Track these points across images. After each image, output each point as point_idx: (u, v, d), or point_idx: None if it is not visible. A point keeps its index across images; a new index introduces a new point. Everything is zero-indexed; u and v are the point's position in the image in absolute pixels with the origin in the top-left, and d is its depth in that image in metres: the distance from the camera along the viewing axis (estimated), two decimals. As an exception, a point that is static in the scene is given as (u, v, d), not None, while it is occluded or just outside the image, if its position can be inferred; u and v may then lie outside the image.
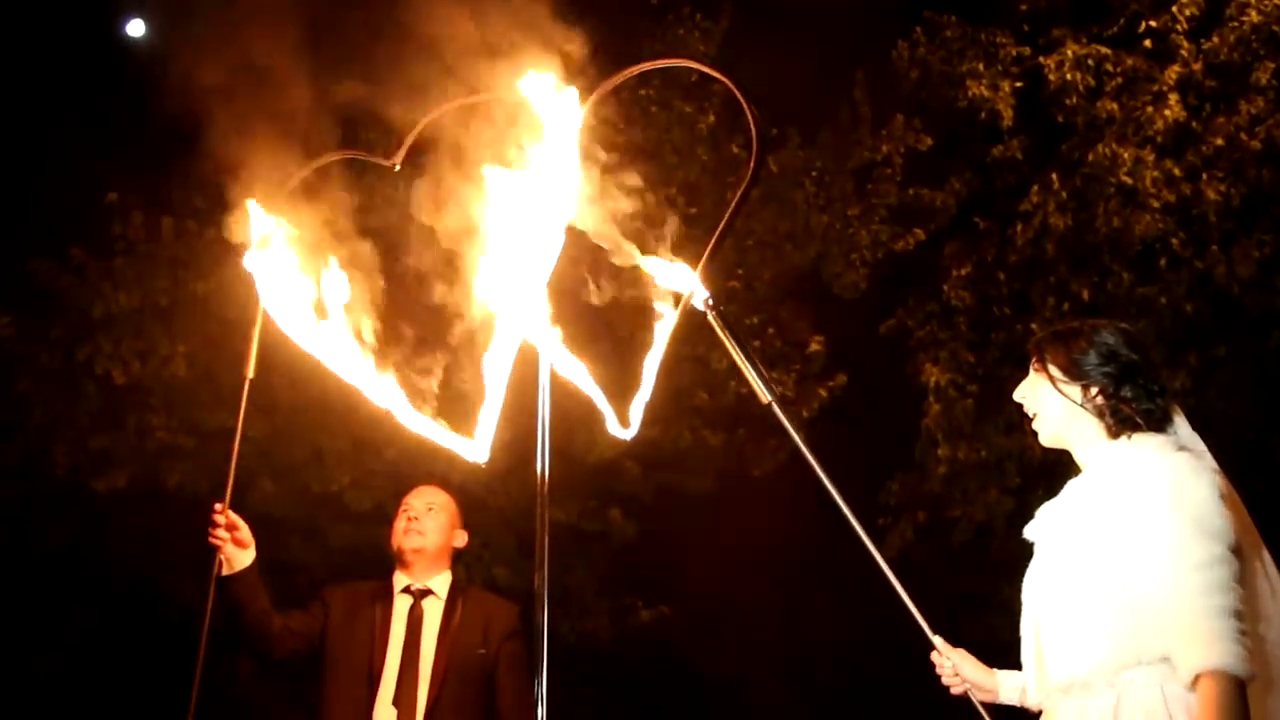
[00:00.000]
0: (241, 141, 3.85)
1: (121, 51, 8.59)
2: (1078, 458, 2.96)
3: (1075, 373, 2.89)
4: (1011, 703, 3.17)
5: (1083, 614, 2.71)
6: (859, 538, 3.27)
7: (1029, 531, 3.04)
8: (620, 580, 9.94)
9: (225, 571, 4.16)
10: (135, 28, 8.59)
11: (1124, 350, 2.88)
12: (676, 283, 3.44)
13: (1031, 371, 3.03)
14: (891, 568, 3.22)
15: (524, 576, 8.54)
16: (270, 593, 4.42)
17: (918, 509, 9.69)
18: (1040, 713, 2.93)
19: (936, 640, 3.26)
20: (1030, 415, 3.03)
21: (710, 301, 3.36)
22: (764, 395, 3.37)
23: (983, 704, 3.17)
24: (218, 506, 4.09)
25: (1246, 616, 2.54)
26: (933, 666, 3.27)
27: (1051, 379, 2.93)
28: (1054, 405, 2.93)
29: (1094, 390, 2.87)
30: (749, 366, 3.35)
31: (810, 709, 10.54)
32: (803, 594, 10.47)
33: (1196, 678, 2.48)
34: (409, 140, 3.77)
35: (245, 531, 4.19)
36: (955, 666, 3.22)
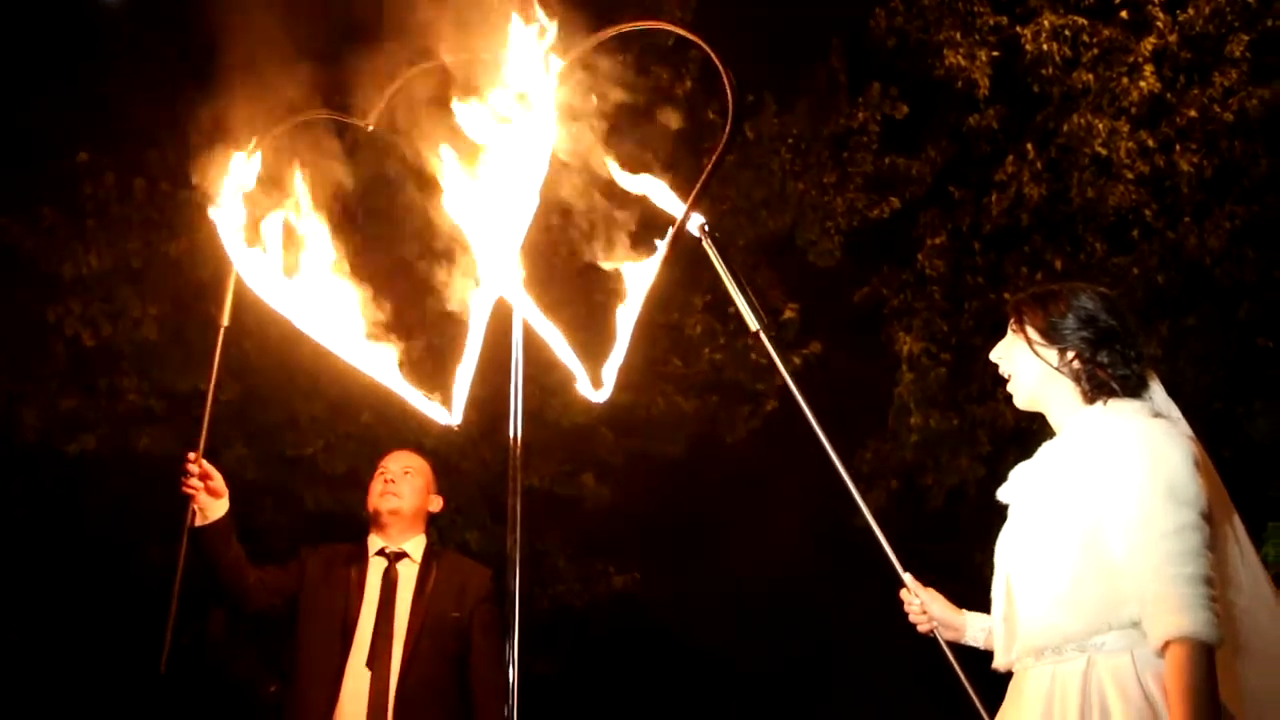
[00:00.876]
0: (216, 102, 3.82)
1: (95, 12, 8.52)
2: (1052, 421, 2.94)
3: (1053, 336, 2.86)
4: (976, 644, 3.17)
5: (1055, 579, 2.70)
6: (838, 473, 3.23)
7: (1003, 493, 3.01)
8: (592, 545, 9.99)
9: (199, 522, 4.17)
10: (110, -11, 8.56)
11: (1102, 315, 2.85)
12: (671, 205, 3.43)
13: (1009, 332, 2.98)
14: (864, 532, 3.21)
15: (497, 540, 8.56)
16: (244, 547, 4.42)
17: (891, 476, 9.76)
18: (1009, 674, 2.91)
19: (907, 578, 3.25)
20: (1005, 376, 2.99)
21: (706, 227, 3.35)
22: (752, 323, 3.36)
23: (948, 643, 3.15)
24: (191, 456, 4.08)
25: (1216, 582, 2.54)
26: (902, 604, 3.26)
27: (1029, 341, 2.90)
28: (1030, 368, 2.90)
29: (1070, 354, 2.84)
30: (740, 294, 3.34)
31: (783, 671, 10.64)
32: (775, 559, 10.55)
33: (1166, 643, 2.49)
34: (384, 100, 3.74)
35: (219, 481, 4.19)
36: (923, 604, 3.21)
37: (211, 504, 4.20)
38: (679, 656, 10.82)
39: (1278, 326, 8.75)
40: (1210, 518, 2.60)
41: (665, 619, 10.62)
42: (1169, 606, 2.49)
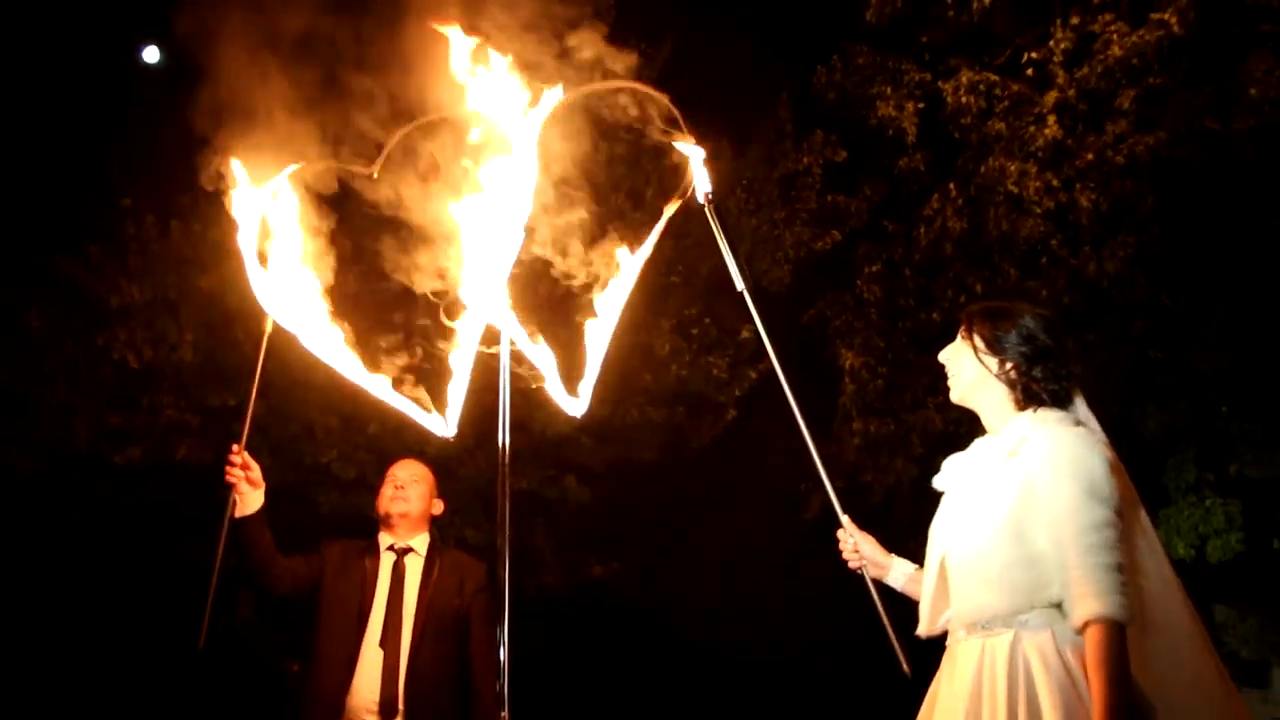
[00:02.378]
0: (241, 152, 3.86)
1: (138, 74, 8.59)
2: (985, 420, 3.00)
3: (996, 347, 2.92)
4: (896, 586, 3.24)
5: (986, 564, 2.76)
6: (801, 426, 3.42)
7: (937, 481, 3.09)
8: (575, 540, 10.01)
9: (238, 513, 4.14)
10: (151, 54, 8.62)
11: (1041, 335, 2.90)
12: (685, 154, 3.53)
13: (959, 337, 3.04)
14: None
15: (490, 536, 8.60)
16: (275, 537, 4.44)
17: (835, 477, 9.77)
18: (928, 639, 3.00)
19: (844, 519, 3.34)
20: (950, 375, 3.06)
21: (710, 195, 3.42)
22: (739, 283, 3.46)
23: (873, 580, 3.25)
24: (234, 448, 4.04)
25: (1128, 569, 2.62)
26: (838, 542, 3.35)
27: (974, 348, 2.96)
28: (971, 370, 2.97)
29: (1009, 365, 2.90)
30: (731, 256, 3.46)
31: (739, 648, 10.67)
32: (737, 549, 10.61)
33: (1086, 624, 2.57)
34: (386, 151, 3.77)
35: (257, 472, 4.15)
36: (856, 544, 3.30)
37: (250, 494, 4.18)
38: (652, 635, 10.83)
39: (1165, 340, 8.83)
40: (1122, 513, 2.68)
41: (640, 603, 10.64)
42: (1088, 591, 2.57)
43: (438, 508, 4.93)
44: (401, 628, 4.53)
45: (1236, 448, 8.65)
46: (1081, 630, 2.59)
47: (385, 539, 4.76)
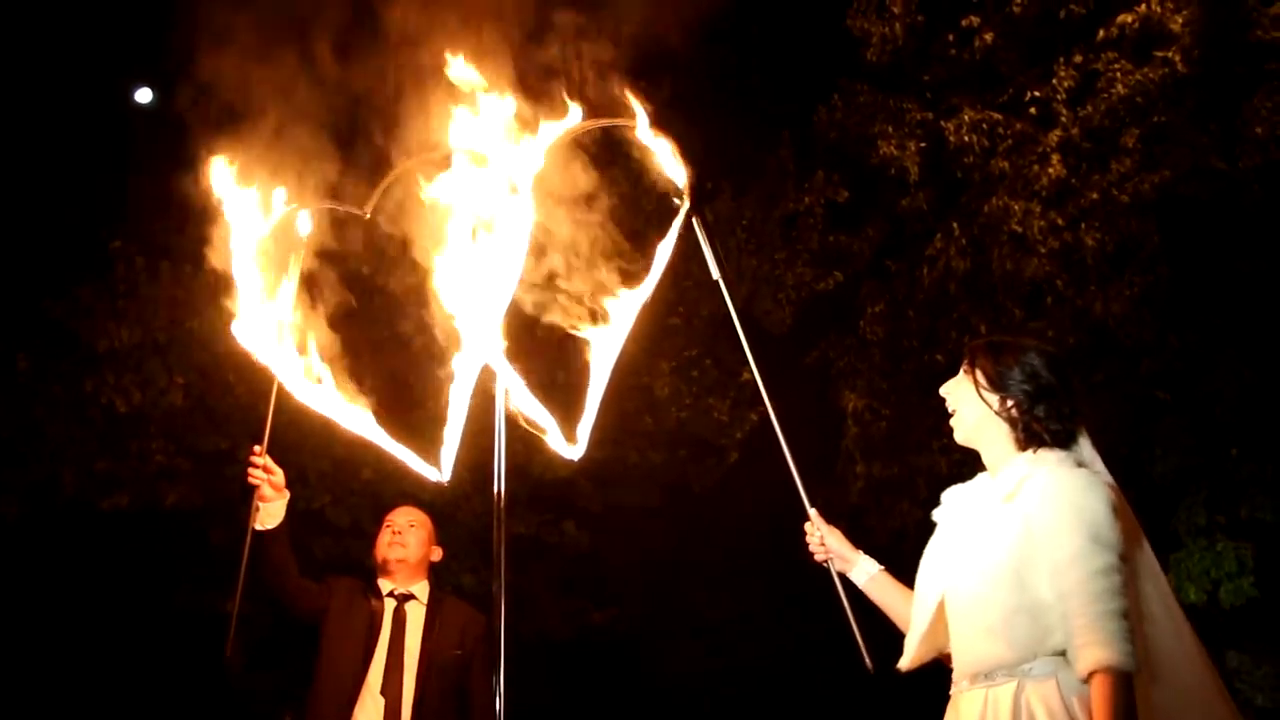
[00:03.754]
0: (231, 194, 3.82)
1: (129, 115, 8.60)
2: (986, 459, 2.94)
3: (998, 384, 2.87)
4: (859, 583, 3.24)
5: (988, 614, 2.70)
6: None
7: (936, 514, 3.05)
8: (574, 586, 9.94)
9: (261, 526, 4.09)
10: (143, 95, 8.62)
11: (1045, 373, 2.84)
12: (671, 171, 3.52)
13: (961, 372, 2.99)
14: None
15: (488, 582, 8.52)
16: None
17: (838, 520, 9.69)
18: (909, 672, 2.98)
19: (812, 512, 3.35)
20: (950, 411, 3.00)
21: (687, 187, 3.45)
22: (714, 272, 3.49)
23: (838, 574, 3.25)
24: (256, 449, 3.98)
25: (1133, 616, 2.57)
26: (804, 535, 3.34)
27: (976, 385, 2.91)
28: (973, 408, 2.91)
29: (1010, 403, 2.85)
30: (706, 243, 3.48)
31: (742, 697, 10.58)
32: (739, 598, 10.54)
33: (1092, 673, 2.51)
34: (379, 191, 3.76)
35: (280, 476, 4.09)
36: (822, 537, 3.30)
37: (274, 502, 4.13)
38: (651, 683, 10.74)
39: (1173, 381, 8.80)
40: (1127, 557, 2.62)
41: (639, 650, 10.56)
42: (1093, 640, 2.51)
43: (436, 554, 4.88)
44: (403, 675, 4.48)
45: (1247, 490, 8.57)
46: (1087, 680, 2.53)
47: (385, 584, 4.70)
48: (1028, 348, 2.92)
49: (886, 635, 3.14)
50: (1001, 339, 2.99)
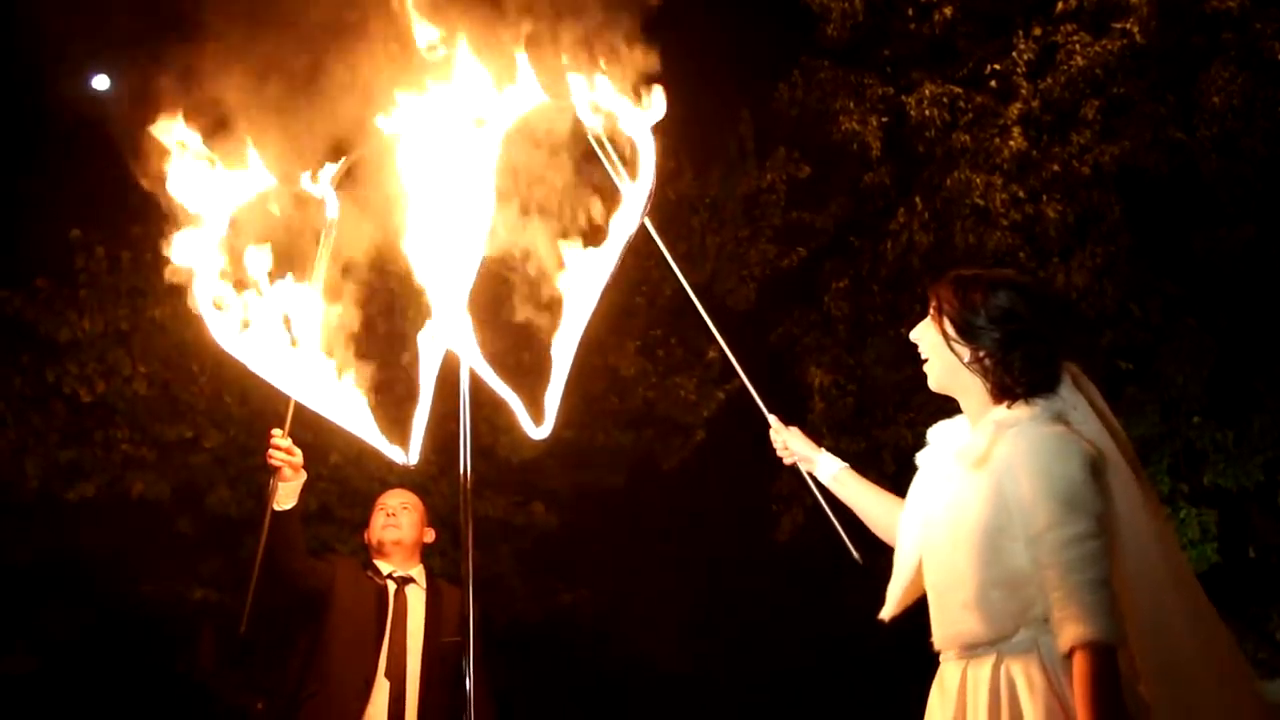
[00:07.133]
0: (193, 181, 3.82)
1: (87, 103, 8.55)
2: (963, 408, 2.78)
3: (966, 333, 2.65)
4: (824, 482, 3.28)
5: (964, 587, 2.59)
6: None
7: (921, 456, 2.92)
8: (544, 567, 9.99)
9: (278, 506, 4.11)
10: (101, 82, 8.58)
11: (1019, 311, 2.62)
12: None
13: (929, 316, 2.77)
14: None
15: (456, 565, 8.58)
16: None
17: (806, 497, 9.79)
18: (891, 619, 2.92)
19: (772, 419, 3.41)
20: (925, 358, 2.80)
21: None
22: (673, 264, 3.62)
23: (810, 475, 3.32)
24: (276, 432, 3.97)
25: (1112, 582, 2.43)
26: (770, 441, 3.41)
27: (944, 334, 2.70)
28: (944, 359, 2.73)
29: (982, 353, 2.64)
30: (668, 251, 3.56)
31: (711, 674, 10.68)
32: (707, 576, 10.62)
33: (1072, 649, 2.38)
34: (339, 170, 3.76)
35: (299, 457, 4.08)
36: (785, 442, 3.36)
37: (290, 483, 4.13)
38: (623, 663, 10.82)
39: (1134, 350, 8.90)
40: (1107, 517, 2.48)
41: (610, 629, 10.63)
42: (1070, 614, 2.40)
43: (429, 536, 4.92)
44: (406, 658, 4.51)
45: (1209, 457, 8.73)
46: (1069, 656, 2.40)
47: (384, 566, 4.73)
48: (997, 285, 2.68)
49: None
50: (971, 272, 2.77)
